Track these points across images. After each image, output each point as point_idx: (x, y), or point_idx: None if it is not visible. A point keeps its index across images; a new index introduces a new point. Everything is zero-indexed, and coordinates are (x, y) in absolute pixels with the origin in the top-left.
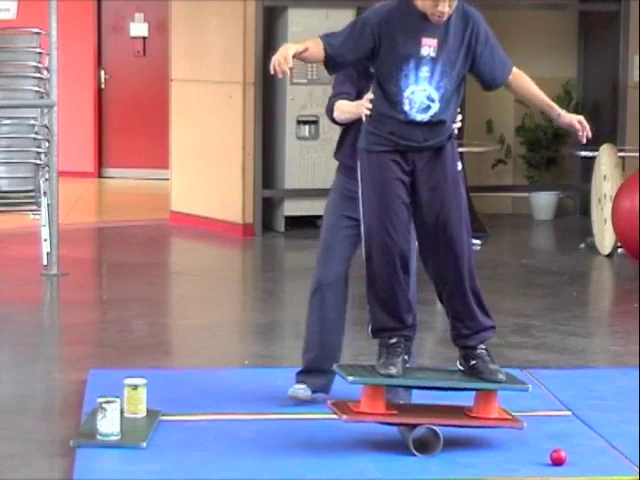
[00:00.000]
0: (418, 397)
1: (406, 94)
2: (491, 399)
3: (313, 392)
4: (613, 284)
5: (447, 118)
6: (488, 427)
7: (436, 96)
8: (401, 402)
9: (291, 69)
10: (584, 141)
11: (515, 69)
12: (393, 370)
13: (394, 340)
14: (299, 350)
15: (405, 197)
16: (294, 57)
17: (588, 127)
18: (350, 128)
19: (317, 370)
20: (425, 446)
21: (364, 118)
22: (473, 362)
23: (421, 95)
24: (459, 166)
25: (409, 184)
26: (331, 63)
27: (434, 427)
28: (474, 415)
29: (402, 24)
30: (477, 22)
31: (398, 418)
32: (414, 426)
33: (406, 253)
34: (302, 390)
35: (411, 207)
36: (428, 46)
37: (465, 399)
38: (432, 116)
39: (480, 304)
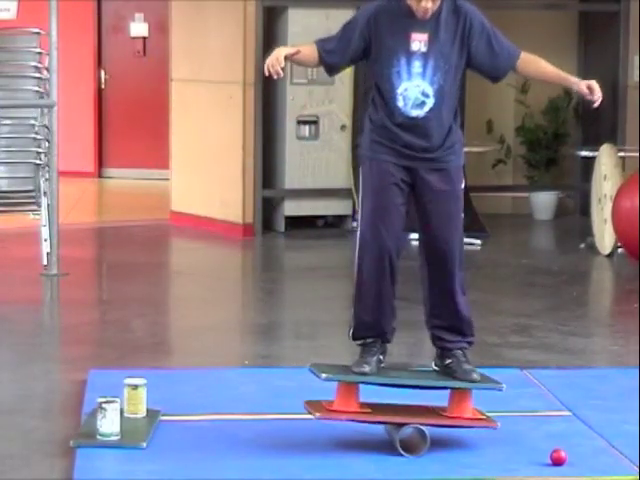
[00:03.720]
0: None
1: (399, 91)
2: (465, 399)
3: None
4: (613, 284)
5: (444, 118)
6: (462, 427)
7: (430, 91)
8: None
9: (283, 69)
10: (596, 105)
11: (524, 54)
12: (367, 368)
13: (371, 340)
14: (299, 350)
15: (401, 204)
16: (286, 59)
17: (597, 90)
18: None
19: None
20: (412, 446)
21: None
22: (448, 361)
23: (415, 91)
24: (462, 184)
25: (408, 192)
26: (327, 67)
27: (421, 427)
28: (448, 415)
29: (391, 20)
30: (470, 14)
31: (371, 417)
32: (401, 426)
33: (396, 259)
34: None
35: (412, 213)
36: (418, 41)
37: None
38: (428, 112)
39: (466, 319)
